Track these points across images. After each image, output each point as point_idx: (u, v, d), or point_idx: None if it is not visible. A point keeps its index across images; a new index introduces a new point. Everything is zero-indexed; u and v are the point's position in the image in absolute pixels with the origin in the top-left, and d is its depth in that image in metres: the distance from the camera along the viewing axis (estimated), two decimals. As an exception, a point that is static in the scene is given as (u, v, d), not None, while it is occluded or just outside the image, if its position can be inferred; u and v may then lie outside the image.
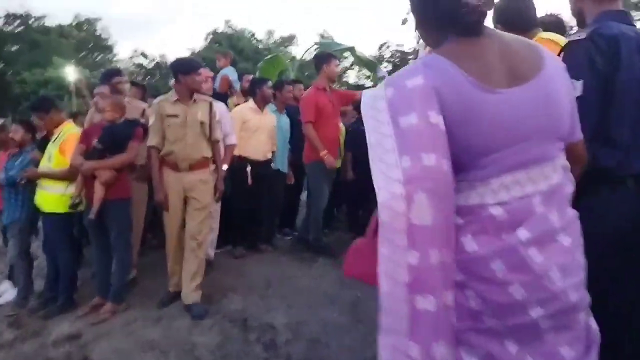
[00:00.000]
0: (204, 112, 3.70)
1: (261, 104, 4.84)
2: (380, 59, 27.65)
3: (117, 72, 4.38)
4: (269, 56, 9.61)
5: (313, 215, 4.85)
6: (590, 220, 1.19)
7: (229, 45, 29.28)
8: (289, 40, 34.12)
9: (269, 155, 4.91)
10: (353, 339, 3.02)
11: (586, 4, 1.77)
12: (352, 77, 34.99)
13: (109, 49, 33.35)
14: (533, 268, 1.02)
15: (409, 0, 1.21)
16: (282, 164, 5.19)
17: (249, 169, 4.67)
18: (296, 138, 5.24)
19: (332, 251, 4.73)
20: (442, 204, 0.98)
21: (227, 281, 4.08)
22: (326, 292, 3.78)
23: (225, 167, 4.15)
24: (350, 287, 3.72)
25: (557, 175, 1.09)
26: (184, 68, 3.62)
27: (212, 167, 3.84)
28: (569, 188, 1.12)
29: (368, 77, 33.66)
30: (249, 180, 4.67)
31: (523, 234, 1.03)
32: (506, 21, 2.19)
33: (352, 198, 6.30)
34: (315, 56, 5.23)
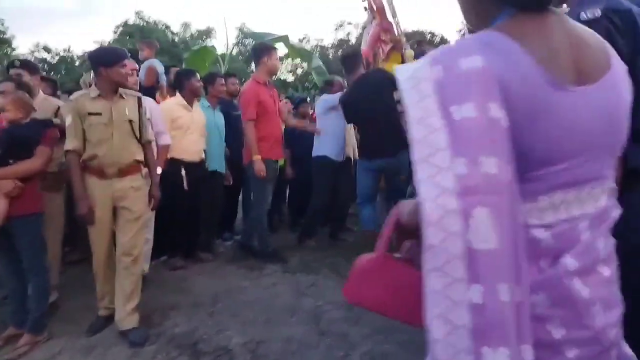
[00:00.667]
0: (131, 108, 3.25)
1: (190, 98, 4.42)
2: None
3: (25, 64, 3.78)
4: (196, 47, 9.04)
5: (257, 219, 4.53)
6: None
7: (142, 38, 27.65)
8: (206, 33, 32.83)
9: (203, 156, 4.52)
10: (320, 355, 2.74)
11: None
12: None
13: (7, 42, 30.34)
14: (577, 303, 0.87)
15: None
16: (219, 164, 4.81)
17: (183, 172, 4.24)
18: (231, 135, 4.89)
19: (280, 256, 4.43)
20: (508, 223, 0.76)
21: (167, 298, 3.65)
22: (282, 303, 3.47)
23: (159, 170, 3.70)
24: (308, 295, 3.46)
25: (605, 198, 0.93)
26: (106, 59, 3.14)
27: (145, 171, 3.39)
28: (615, 213, 0.97)
29: (290, 71, 33.56)
30: (185, 184, 4.23)
31: (570, 262, 0.87)
32: None
33: (293, 197, 6.06)
34: (254, 48, 4.91)
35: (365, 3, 5.31)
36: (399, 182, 4.30)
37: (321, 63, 6.06)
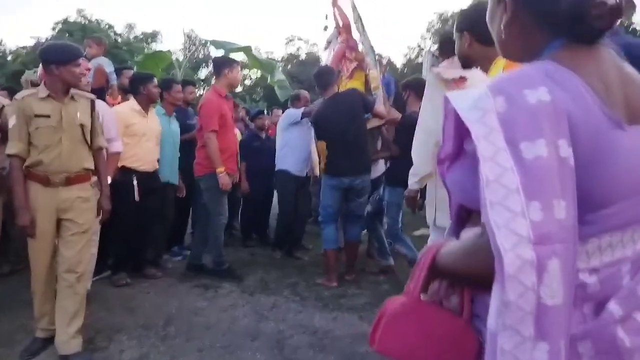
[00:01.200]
0: (84, 111, 3.00)
1: (146, 104, 4.19)
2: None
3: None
4: (151, 51, 8.66)
5: (213, 234, 4.31)
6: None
7: (83, 37, 26.42)
8: (152, 36, 31.77)
9: (157, 165, 4.27)
10: (285, 384, 2.57)
11: None
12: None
13: None
14: (622, 353, 0.84)
15: None
16: (172, 175, 4.56)
17: (135, 182, 3.97)
18: (186, 145, 4.66)
19: (235, 274, 4.23)
20: (571, 275, 0.74)
21: (112, 319, 3.36)
22: (243, 327, 3.27)
23: (109, 180, 3.43)
24: (270, 319, 3.29)
25: None
26: (60, 57, 2.86)
27: (94, 180, 3.12)
28: None
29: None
30: (136, 195, 3.95)
31: (615, 310, 0.84)
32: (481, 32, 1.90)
33: (246, 212, 5.87)
34: (216, 60, 4.75)
35: (327, 22, 5.33)
36: (358, 204, 4.30)
37: (284, 77, 5.91)
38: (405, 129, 4.11)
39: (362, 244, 4.91)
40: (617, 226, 0.84)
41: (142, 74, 4.73)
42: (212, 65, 4.62)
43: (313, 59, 26.02)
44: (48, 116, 2.83)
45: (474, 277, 0.83)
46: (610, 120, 0.79)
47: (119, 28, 31.04)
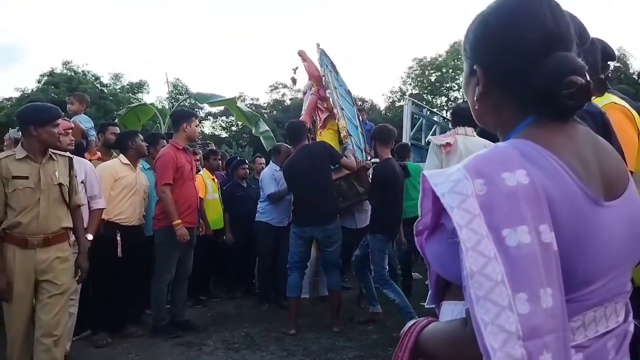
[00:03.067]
0: (62, 171, 3.01)
1: (135, 159, 4.27)
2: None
3: None
4: (133, 104, 8.71)
5: (156, 289, 4.21)
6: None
7: (69, 89, 26.60)
8: (138, 86, 32.09)
9: (143, 220, 4.26)
10: None
11: None
12: (207, 127, 34.39)
13: None
14: None
15: (478, 63, 0.90)
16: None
17: (119, 237, 3.92)
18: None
19: (177, 328, 4.23)
20: None
21: (91, 383, 3.21)
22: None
23: (90, 237, 3.40)
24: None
25: (623, 312, 0.89)
26: (38, 118, 2.88)
27: (73, 239, 3.07)
28: (631, 328, 0.93)
29: (224, 128, 33.42)
30: (119, 251, 3.89)
31: None
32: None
33: (231, 263, 5.78)
34: (175, 113, 4.87)
35: (296, 75, 5.64)
36: (328, 254, 4.33)
37: (268, 128, 5.97)
38: (379, 176, 4.28)
39: (353, 290, 4.86)
40: (600, 301, 0.82)
41: (127, 131, 4.80)
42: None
43: (297, 104, 26.44)
44: (26, 177, 2.82)
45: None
46: (588, 198, 0.77)
47: (106, 79, 31.29)
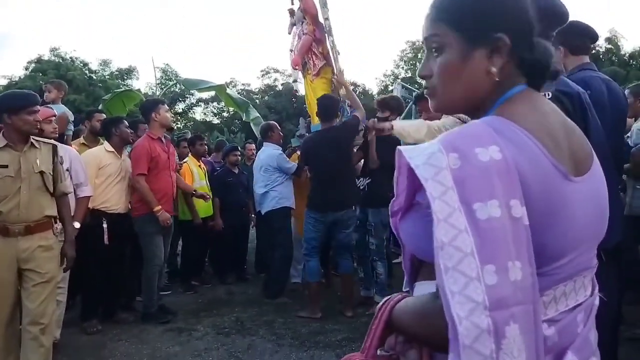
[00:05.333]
0: (44, 158, 2.96)
1: (119, 146, 4.25)
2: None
3: None
4: (119, 89, 8.57)
5: (146, 276, 4.22)
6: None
7: (57, 75, 26.18)
8: (127, 72, 31.65)
9: (129, 206, 4.22)
10: None
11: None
12: (198, 113, 34.15)
13: None
14: None
15: (503, 31, 0.85)
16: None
17: (105, 224, 3.90)
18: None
19: (167, 314, 4.24)
20: (535, 336, 0.71)
21: (81, 370, 3.22)
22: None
23: (77, 225, 3.38)
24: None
25: (590, 286, 0.92)
26: (11, 105, 2.83)
27: (58, 227, 3.05)
28: (597, 301, 0.95)
29: (216, 114, 33.16)
30: (105, 238, 3.88)
31: None
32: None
33: (221, 248, 5.77)
34: (142, 107, 4.79)
35: (295, 5, 5.11)
36: (345, 235, 4.28)
37: (258, 114, 5.85)
38: (387, 144, 3.91)
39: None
40: (570, 275, 0.83)
41: (112, 118, 4.71)
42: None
43: (289, 89, 26.24)
44: (6, 166, 2.78)
45: (430, 340, 0.81)
46: (559, 172, 0.79)
47: (94, 65, 30.86)
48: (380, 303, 0.94)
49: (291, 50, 5.21)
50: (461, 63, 0.87)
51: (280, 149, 5.12)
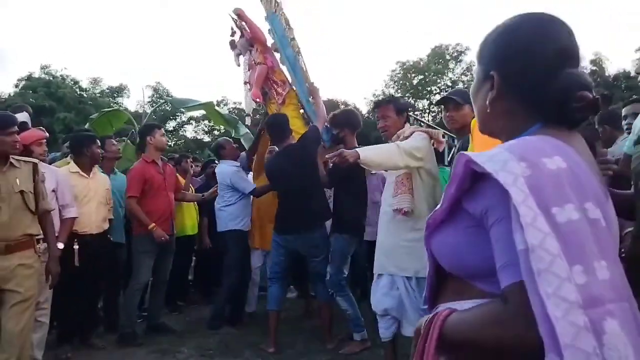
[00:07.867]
0: (24, 178, 2.94)
1: (88, 166, 4.03)
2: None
3: None
4: (106, 109, 8.51)
5: (127, 294, 4.19)
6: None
7: (47, 93, 26.23)
8: (118, 90, 31.70)
9: (105, 226, 4.07)
10: None
11: None
12: (189, 131, 34.14)
13: None
14: None
15: (496, 70, 0.94)
16: (122, 235, 4.50)
17: (76, 247, 3.71)
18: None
19: (135, 340, 4.10)
20: (637, 336, 0.73)
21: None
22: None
23: (61, 245, 3.35)
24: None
25: None
26: None
27: (41, 247, 3.06)
28: None
29: (207, 132, 33.13)
30: (76, 260, 3.68)
31: None
32: None
33: (208, 267, 5.71)
34: (139, 131, 4.86)
35: (234, 36, 4.95)
36: (315, 264, 3.89)
37: (248, 130, 5.80)
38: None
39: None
40: None
41: (81, 136, 4.38)
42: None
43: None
44: (-15, 186, 2.75)
45: (504, 347, 0.77)
46: (603, 191, 0.84)
47: (85, 83, 30.86)
48: (424, 321, 0.91)
49: (246, 83, 4.97)
50: (476, 91, 0.99)
51: (239, 164, 4.81)
